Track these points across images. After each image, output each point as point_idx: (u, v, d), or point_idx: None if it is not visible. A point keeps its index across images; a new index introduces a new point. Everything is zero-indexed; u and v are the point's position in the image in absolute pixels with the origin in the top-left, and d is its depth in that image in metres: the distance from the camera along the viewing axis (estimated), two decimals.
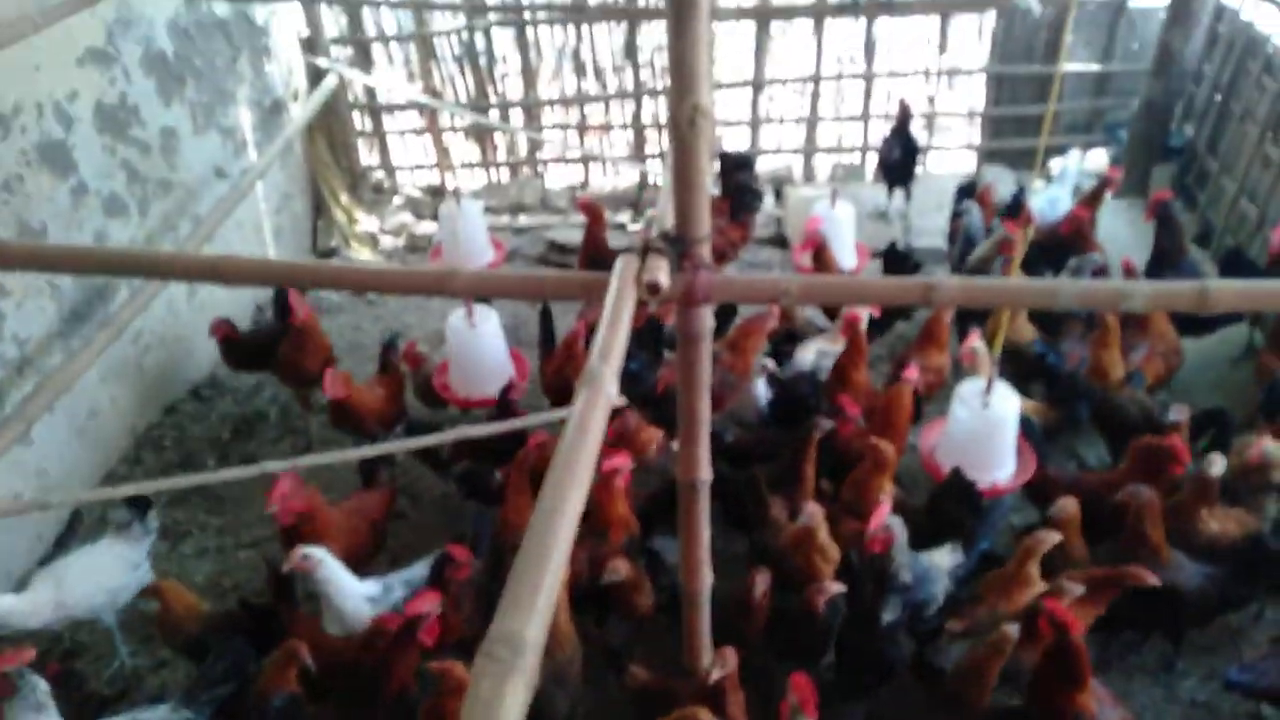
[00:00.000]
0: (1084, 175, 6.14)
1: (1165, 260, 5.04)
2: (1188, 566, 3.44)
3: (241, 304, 6.01)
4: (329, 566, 3.32)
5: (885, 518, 3.27)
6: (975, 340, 4.37)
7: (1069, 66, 6.78)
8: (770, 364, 4.43)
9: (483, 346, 4.58)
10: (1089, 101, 6.94)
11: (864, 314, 4.37)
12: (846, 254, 5.43)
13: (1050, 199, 5.77)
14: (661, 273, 2.25)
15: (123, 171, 4.84)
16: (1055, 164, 6.67)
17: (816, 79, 6.96)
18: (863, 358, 4.30)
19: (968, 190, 5.80)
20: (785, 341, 4.72)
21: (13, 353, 4.20)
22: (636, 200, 7.12)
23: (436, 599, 3.09)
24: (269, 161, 5.53)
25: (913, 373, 4.04)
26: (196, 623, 3.47)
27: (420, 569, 3.54)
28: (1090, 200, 5.37)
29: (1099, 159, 6.91)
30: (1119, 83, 6.89)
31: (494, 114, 7.11)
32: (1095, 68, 6.83)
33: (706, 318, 2.47)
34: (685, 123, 2.12)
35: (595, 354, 2.00)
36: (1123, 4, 6.57)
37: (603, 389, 1.90)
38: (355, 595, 3.36)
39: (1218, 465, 3.52)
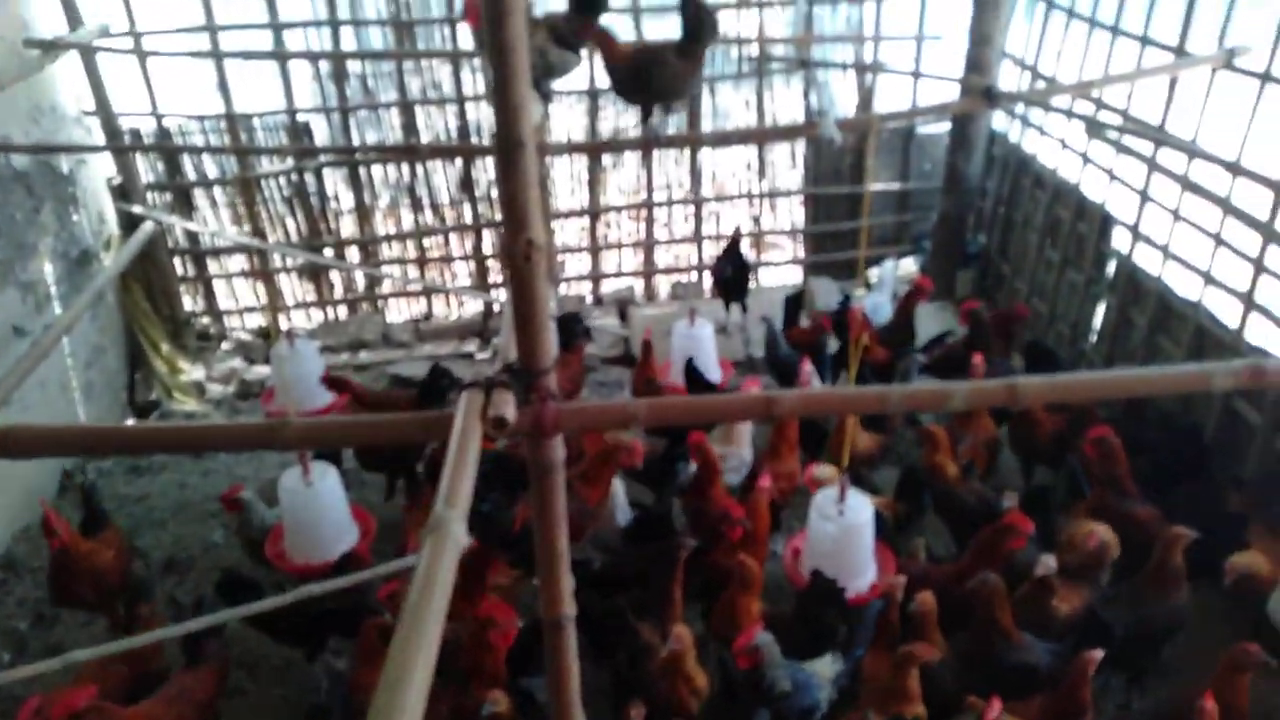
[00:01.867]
0: (899, 281, 6.65)
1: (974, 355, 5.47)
2: (1037, 646, 3.59)
3: (44, 471, 5.48)
4: None
5: (755, 637, 3.26)
6: (816, 470, 4.51)
7: (874, 186, 7.41)
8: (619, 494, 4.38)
9: (322, 506, 4.28)
10: (894, 216, 7.58)
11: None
12: (711, 369, 5.56)
13: (873, 304, 6.20)
14: (508, 407, 2.21)
15: None
16: (873, 273, 7.19)
17: (649, 205, 7.29)
18: (718, 474, 4.35)
19: (794, 300, 6.14)
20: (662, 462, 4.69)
21: None
22: (483, 329, 7.11)
23: None
24: (75, 315, 5.16)
25: (766, 481, 4.12)
26: None
27: None
28: (907, 303, 5.80)
29: (909, 266, 7.51)
30: (918, 198, 7.58)
31: (329, 252, 6.99)
32: (896, 186, 7.49)
33: (559, 448, 2.44)
34: (521, 258, 2.13)
35: (440, 499, 1.92)
36: (911, 130, 7.30)
37: (449, 535, 1.82)
38: None
39: (1049, 564, 3.72)
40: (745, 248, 6.68)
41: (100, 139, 6.16)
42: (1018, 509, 4.09)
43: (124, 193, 6.36)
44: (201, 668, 3.62)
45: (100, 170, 6.26)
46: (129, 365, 6.44)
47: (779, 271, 7.82)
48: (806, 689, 3.36)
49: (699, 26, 3.40)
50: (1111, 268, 5.63)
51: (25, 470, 5.23)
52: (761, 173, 7.37)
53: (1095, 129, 5.25)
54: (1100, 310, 5.76)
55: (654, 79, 3.46)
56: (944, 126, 7.09)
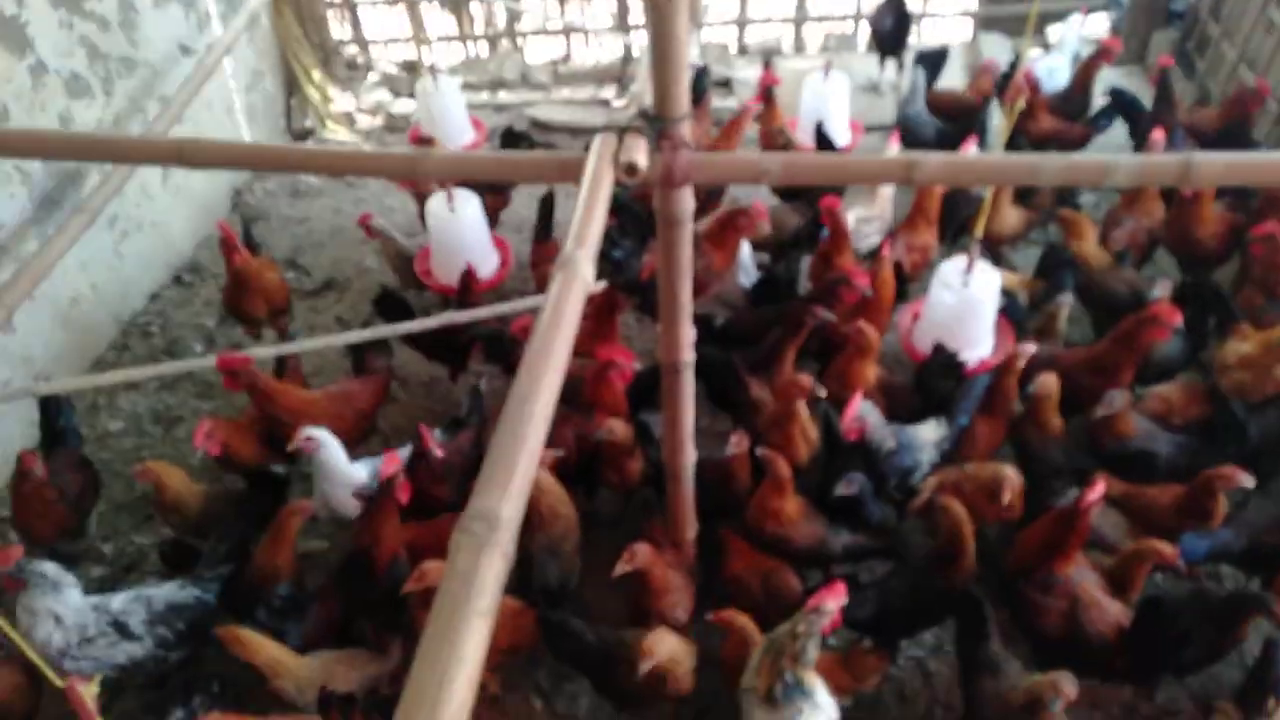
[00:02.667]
0: (1084, 43, 5.95)
1: (1155, 128, 4.94)
2: (1160, 436, 3.54)
3: (218, 189, 5.89)
4: (329, 449, 3.38)
5: (857, 408, 3.33)
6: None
7: None
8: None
9: (463, 231, 4.51)
10: None
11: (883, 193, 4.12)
12: (840, 130, 5.30)
13: (1048, 69, 5.61)
14: (639, 153, 2.20)
15: (82, 49, 4.64)
16: (1054, 31, 6.44)
17: None
18: (846, 242, 4.26)
19: (934, 57, 5.59)
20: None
21: None
22: (621, 74, 6.90)
23: (398, 461, 3.23)
24: (234, 36, 5.29)
25: (886, 249, 4.01)
26: (195, 501, 3.53)
27: (406, 450, 3.61)
28: (1086, 70, 5.22)
29: (1100, 25, 6.67)
30: None
31: None
32: None
33: (687, 199, 2.44)
34: None
35: (571, 238, 1.98)
36: None
37: (578, 274, 1.89)
38: (344, 483, 3.43)
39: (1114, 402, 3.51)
40: None
41: None
42: (1168, 299, 3.87)
43: None
44: (367, 378, 3.99)
45: None
46: (286, 91, 6.65)
47: (946, 24, 7.11)
48: (908, 449, 3.47)
49: None
50: None
51: (201, 186, 5.65)
52: None
53: None
54: None
55: None
56: None
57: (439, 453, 3.44)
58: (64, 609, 2.94)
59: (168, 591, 3.17)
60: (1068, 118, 5.19)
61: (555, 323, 1.75)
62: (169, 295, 5.32)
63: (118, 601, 3.07)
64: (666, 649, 2.82)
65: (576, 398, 3.53)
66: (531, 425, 1.53)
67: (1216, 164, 1.84)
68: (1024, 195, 4.68)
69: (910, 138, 5.11)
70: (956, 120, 5.17)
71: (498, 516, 1.34)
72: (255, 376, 3.53)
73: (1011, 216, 4.60)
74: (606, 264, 4.32)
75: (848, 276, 3.85)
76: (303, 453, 3.37)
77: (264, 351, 3.90)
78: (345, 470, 3.44)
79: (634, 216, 4.47)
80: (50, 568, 3.01)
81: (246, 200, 6.01)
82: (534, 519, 3.18)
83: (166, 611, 3.11)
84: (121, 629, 3.02)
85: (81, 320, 4.77)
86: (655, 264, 3.91)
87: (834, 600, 2.56)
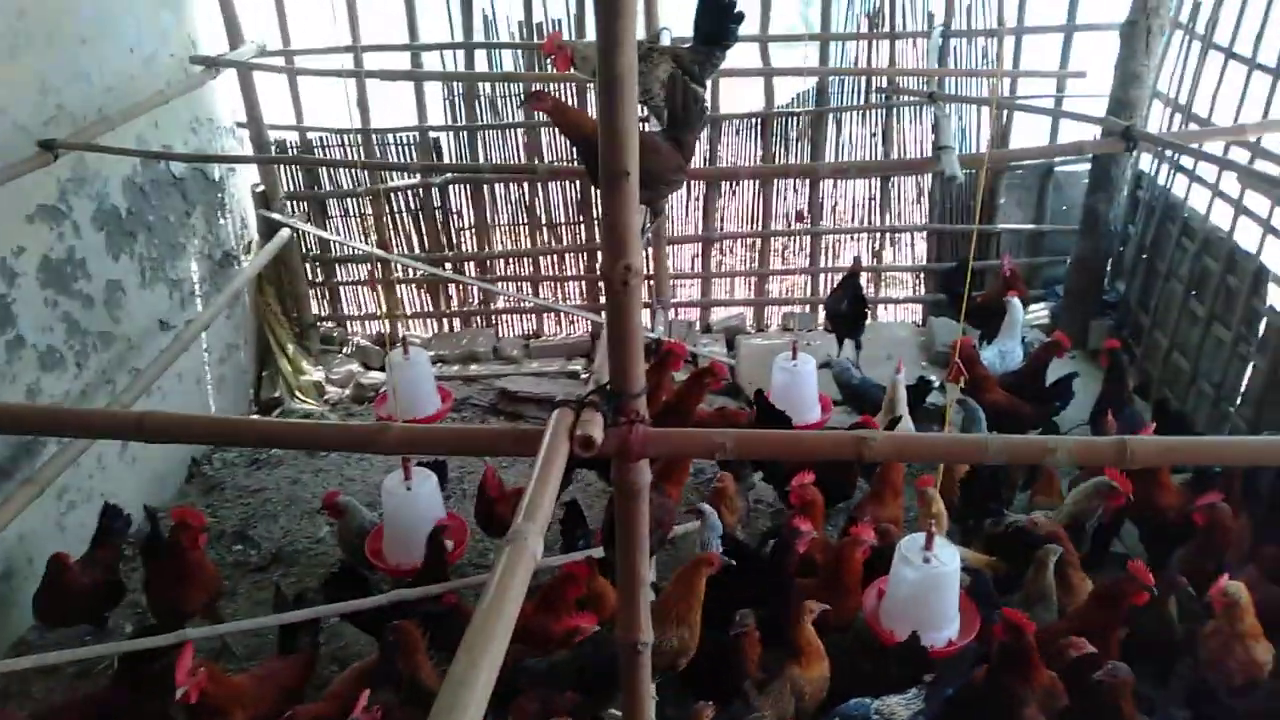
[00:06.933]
0: (1027, 327, 6.33)
1: (1109, 408, 5.13)
2: None
3: (175, 459, 5.82)
4: None
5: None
6: (928, 485, 4.31)
7: (1004, 225, 7.11)
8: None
9: (419, 509, 4.39)
10: (1026, 258, 7.23)
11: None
12: (809, 407, 5.40)
13: (1000, 351, 5.91)
14: (595, 427, 2.20)
15: (63, 324, 4.76)
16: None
17: (765, 234, 7.22)
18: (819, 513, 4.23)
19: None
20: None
21: None
22: (590, 349, 7.17)
23: None
24: (215, 313, 5.50)
25: (865, 531, 3.96)
26: None
27: None
28: (1039, 359, 5.49)
29: (1040, 313, 7.16)
30: (1052, 241, 7.22)
31: (447, 266, 7.22)
32: (1029, 227, 7.17)
33: (644, 472, 2.41)
34: (618, 282, 2.13)
35: (521, 512, 1.92)
36: (1049, 168, 6.98)
37: (526, 549, 1.82)
38: None
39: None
40: (863, 281, 6.51)
41: (249, 149, 6.57)
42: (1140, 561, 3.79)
43: (266, 199, 6.76)
44: (291, 656, 3.77)
45: (247, 178, 6.67)
46: (257, 363, 6.81)
47: (898, 308, 7.60)
48: None
49: (688, 112, 3.32)
50: (1263, 326, 5.19)
51: (159, 455, 5.58)
52: (884, 205, 7.19)
53: (1251, 178, 4.86)
54: (1248, 372, 5.31)
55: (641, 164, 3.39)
56: (1085, 166, 6.74)
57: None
58: None
59: None
60: (1024, 399, 5.38)
61: (499, 600, 1.65)
62: None
63: None
64: None
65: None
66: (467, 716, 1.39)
67: (1152, 446, 1.87)
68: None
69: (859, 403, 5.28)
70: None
71: None
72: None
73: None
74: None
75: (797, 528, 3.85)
76: None
77: (196, 633, 3.65)
78: None
79: None
80: None
81: (204, 470, 5.93)
82: None
83: None
84: None
85: (10, 596, 4.49)
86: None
87: None
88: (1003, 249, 7.16)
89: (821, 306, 7.24)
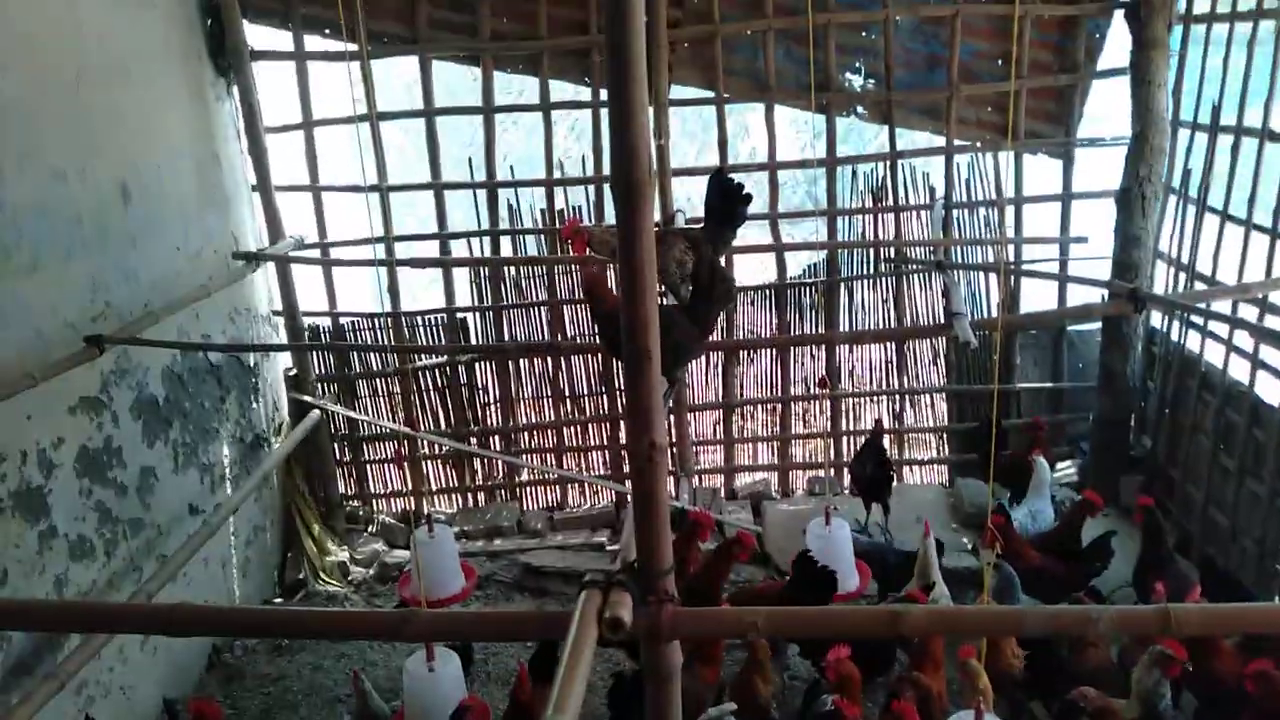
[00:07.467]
0: (1056, 485, 6.25)
1: (1152, 566, 4.98)
2: None
3: (196, 647, 5.71)
4: None
5: None
6: (970, 657, 4.14)
7: (1023, 385, 7.17)
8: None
9: (442, 692, 4.26)
10: (1048, 416, 7.24)
11: None
12: (847, 574, 5.26)
13: (1030, 511, 5.81)
14: (624, 609, 2.18)
15: (95, 513, 4.79)
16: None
17: (785, 399, 7.30)
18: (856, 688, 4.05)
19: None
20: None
21: None
22: (614, 520, 7.12)
23: None
24: (244, 496, 5.56)
25: (906, 707, 3.78)
26: None
27: None
28: (1074, 516, 5.39)
29: (1067, 471, 7.08)
30: (1073, 398, 7.24)
31: (473, 440, 7.30)
32: (1048, 385, 7.22)
33: (675, 653, 2.36)
34: (643, 458, 2.18)
35: (551, 705, 1.88)
36: (1062, 329, 7.10)
37: None
38: None
39: None
40: (886, 444, 6.51)
41: (284, 335, 6.84)
42: None
43: (298, 383, 6.96)
44: None
45: (280, 363, 6.90)
46: (283, 544, 6.79)
47: (924, 471, 7.54)
48: None
49: (712, 289, 3.32)
50: None
51: (181, 644, 5.48)
52: (900, 368, 7.29)
53: (1263, 335, 4.93)
54: None
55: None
56: (1097, 324, 6.86)
57: None
58: None
59: None
60: (1060, 559, 5.24)
61: None
62: None
63: None
64: None
65: None
66: None
67: (1195, 614, 1.83)
68: None
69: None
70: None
71: None
72: None
73: (1017, 659, 4.42)
74: None
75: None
76: None
77: None
78: None
79: None
80: None
81: (225, 659, 5.80)
82: None
83: None
84: None
85: None
86: None
87: None
88: (1023, 407, 7.20)
89: (846, 470, 7.23)
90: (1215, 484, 5.82)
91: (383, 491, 7.54)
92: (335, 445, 7.33)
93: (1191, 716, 4.13)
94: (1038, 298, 7.31)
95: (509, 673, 5.31)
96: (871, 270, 7.16)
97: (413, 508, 7.33)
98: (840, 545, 5.24)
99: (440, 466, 7.53)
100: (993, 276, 6.93)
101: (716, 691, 4.26)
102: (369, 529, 7.29)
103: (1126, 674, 4.30)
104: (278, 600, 6.52)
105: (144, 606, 3.41)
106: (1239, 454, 5.54)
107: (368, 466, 7.46)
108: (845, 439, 7.40)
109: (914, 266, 7.07)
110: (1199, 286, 5.94)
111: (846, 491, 7.22)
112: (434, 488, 7.53)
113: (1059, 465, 7.02)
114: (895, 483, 6.47)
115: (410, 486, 7.44)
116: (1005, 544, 4.91)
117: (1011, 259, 6.95)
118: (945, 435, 7.44)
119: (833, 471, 7.48)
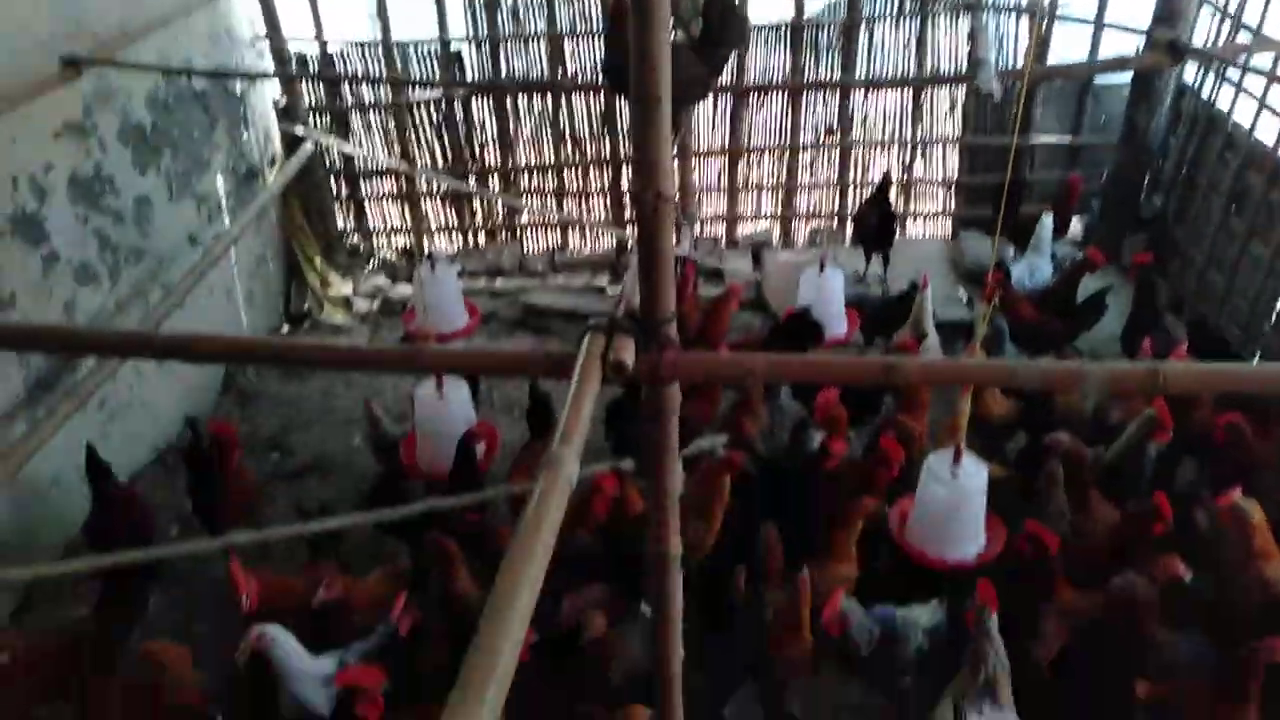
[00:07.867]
0: (1059, 242, 6.24)
1: (1142, 325, 5.10)
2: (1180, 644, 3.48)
3: (210, 369, 5.93)
4: (282, 647, 3.22)
5: (839, 604, 3.37)
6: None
7: (1039, 139, 6.93)
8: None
9: (451, 419, 4.49)
10: (1061, 172, 7.07)
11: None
12: (836, 321, 5.40)
13: (1029, 266, 5.84)
14: (627, 353, 2.24)
15: (95, 240, 4.81)
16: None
17: (793, 148, 7.08)
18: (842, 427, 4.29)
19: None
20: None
21: None
22: (615, 264, 7.16)
23: (369, 674, 3.02)
24: (242, 227, 5.53)
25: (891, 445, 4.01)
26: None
27: (374, 639, 3.45)
28: (1072, 275, 5.43)
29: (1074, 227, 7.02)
30: (1089, 155, 7.03)
31: (471, 180, 7.16)
32: (1066, 140, 6.97)
33: (674, 395, 2.45)
34: (649, 208, 2.13)
35: (557, 436, 1.97)
36: (1089, 81, 6.74)
37: (562, 473, 1.87)
38: (308, 679, 3.25)
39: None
40: (893, 196, 6.41)
41: (269, 62, 6.47)
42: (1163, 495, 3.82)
43: (288, 114, 6.69)
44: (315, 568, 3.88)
45: (268, 92, 6.59)
46: (286, 276, 6.86)
47: (927, 223, 7.48)
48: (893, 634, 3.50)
49: (723, 28, 3.20)
50: None
51: (196, 367, 5.69)
52: (916, 118, 7.01)
53: None
54: None
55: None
56: (1126, 77, 6.51)
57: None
58: None
59: None
60: (1054, 315, 5.34)
61: (537, 523, 1.71)
62: (150, 475, 5.24)
63: None
64: None
65: None
66: (508, 638, 1.45)
67: (1183, 373, 1.87)
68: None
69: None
70: None
71: None
72: None
73: (1000, 405, 4.61)
74: None
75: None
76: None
77: (242, 538, 3.80)
78: (306, 666, 3.27)
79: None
80: None
81: (239, 382, 6.05)
82: None
83: None
84: None
85: (59, 501, 4.67)
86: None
87: None
88: (1038, 163, 7.01)
89: (849, 221, 7.17)
90: (1219, 245, 5.81)
91: (382, 228, 7.50)
92: (332, 180, 7.19)
93: (1156, 460, 4.40)
94: (1069, 44, 6.88)
95: (512, 403, 5.56)
96: (896, 9, 6.66)
97: (413, 245, 7.33)
98: (832, 293, 5.34)
99: (440, 205, 7.43)
100: (1024, 20, 6.47)
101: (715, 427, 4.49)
102: (370, 264, 7.34)
103: (1099, 422, 4.54)
104: (285, 329, 6.70)
105: (162, 334, 3.49)
106: (1249, 216, 5.49)
107: (366, 203, 7.36)
108: (852, 190, 7.27)
109: (942, 5, 6.57)
110: (1243, 38, 5.57)
111: (848, 242, 7.22)
112: (434, 226, 7.48)
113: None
114: (898, 235, 6.45)
115: (410, 224, 7.39)
116: (1002, 298, 4.98)
117: (1047, 3, 6.46)
118: (954, 188, 7.30)
119: (836, 222, 7.43)
